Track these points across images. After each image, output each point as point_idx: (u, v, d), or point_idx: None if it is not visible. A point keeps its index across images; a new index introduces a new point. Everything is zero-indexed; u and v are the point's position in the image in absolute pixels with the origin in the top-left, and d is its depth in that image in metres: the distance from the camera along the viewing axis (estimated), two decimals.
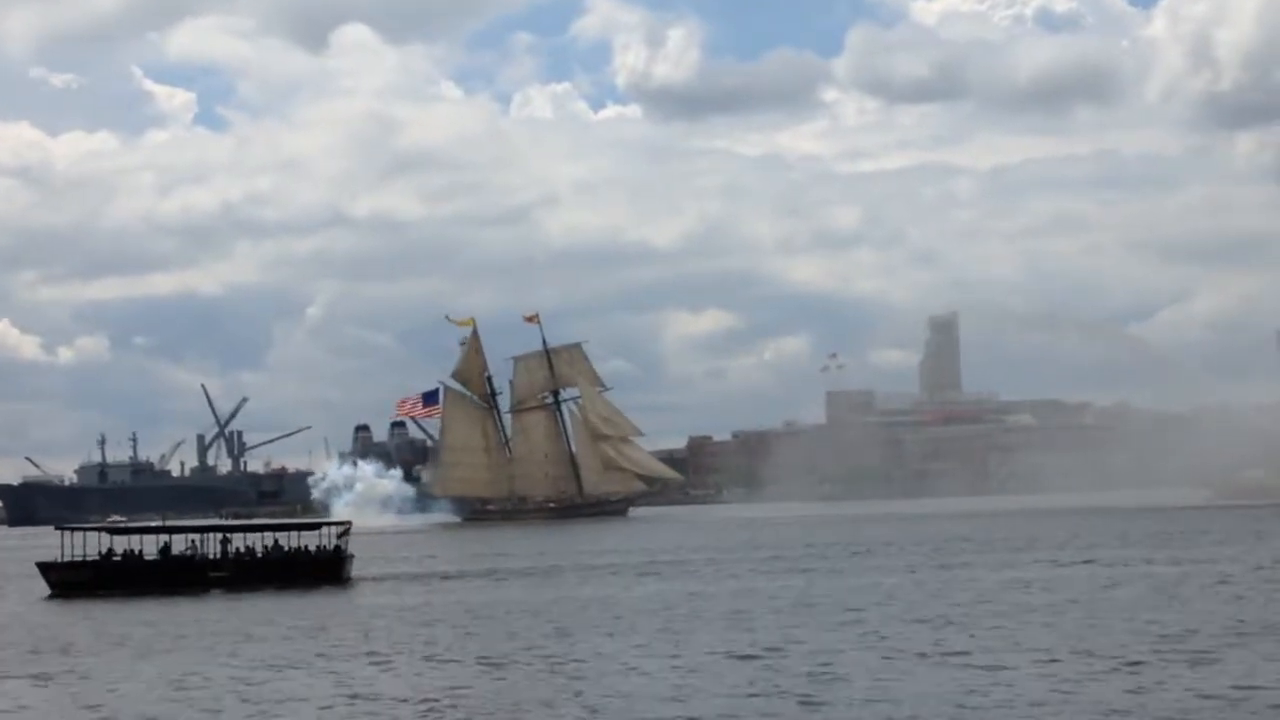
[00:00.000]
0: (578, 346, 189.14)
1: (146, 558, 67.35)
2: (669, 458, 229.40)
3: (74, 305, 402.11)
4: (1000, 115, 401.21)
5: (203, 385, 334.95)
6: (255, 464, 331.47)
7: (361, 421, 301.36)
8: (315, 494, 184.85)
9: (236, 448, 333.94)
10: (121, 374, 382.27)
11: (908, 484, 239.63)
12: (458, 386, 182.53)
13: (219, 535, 69.14)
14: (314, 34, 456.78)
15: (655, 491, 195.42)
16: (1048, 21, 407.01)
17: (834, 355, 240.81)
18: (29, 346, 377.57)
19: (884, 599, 51.37)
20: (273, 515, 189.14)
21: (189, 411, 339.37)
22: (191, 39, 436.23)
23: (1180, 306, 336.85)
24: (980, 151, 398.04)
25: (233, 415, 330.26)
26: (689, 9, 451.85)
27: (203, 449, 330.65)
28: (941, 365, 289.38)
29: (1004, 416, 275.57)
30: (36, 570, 68.66)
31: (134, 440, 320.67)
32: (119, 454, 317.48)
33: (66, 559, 66.60)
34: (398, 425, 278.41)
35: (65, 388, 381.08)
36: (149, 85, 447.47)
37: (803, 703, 30.31)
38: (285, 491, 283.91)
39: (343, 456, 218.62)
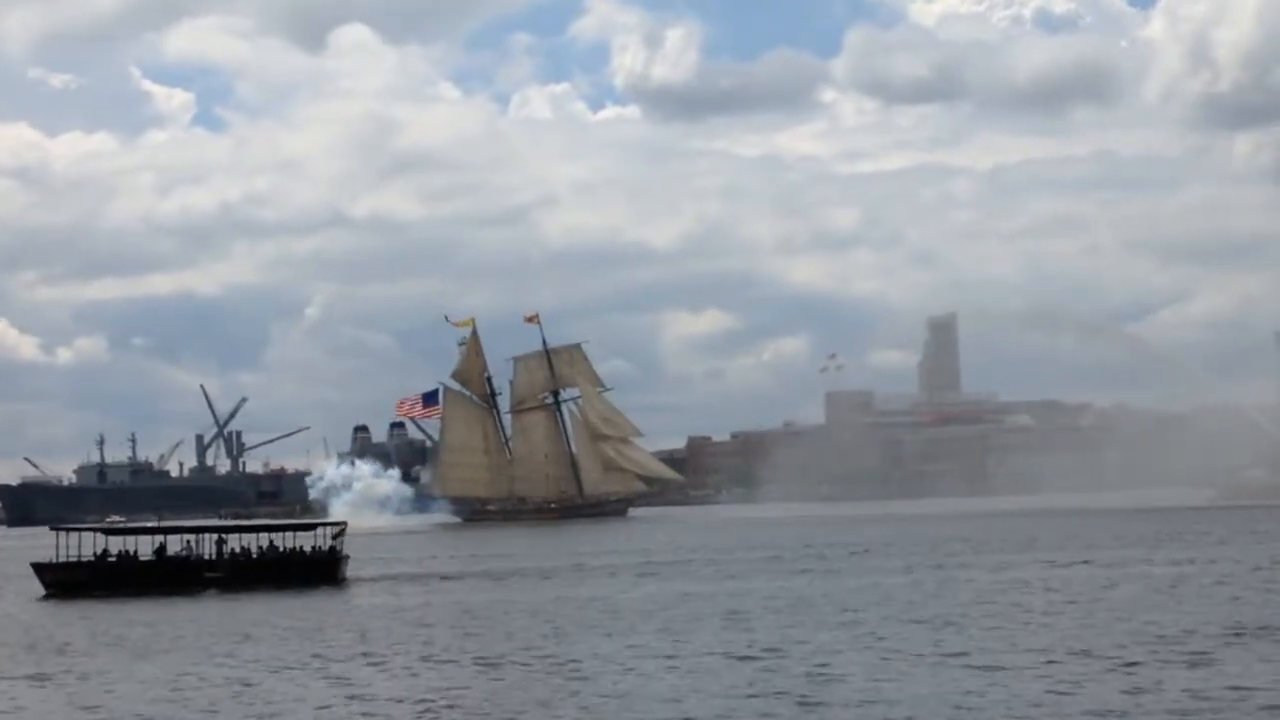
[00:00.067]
0: (578, 347, 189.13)
1: (142, 558, 67.25)
2: (668, 458, 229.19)
3: (73, 306, 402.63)
4: (999, 116, 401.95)
5: (201, 386, 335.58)
6: (254, 464, 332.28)
7: (360, 422, 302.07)
8: (313, 494, 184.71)
9: (235, 448, 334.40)
10: (120, 374, 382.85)
11: (906, 484, 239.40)
12: (457, 387, 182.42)
13: (214, 536, 69.02)
14: (312, 34, 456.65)
15: (655, 492, 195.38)
16: (1046, 22, 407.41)
17: (833, 356, 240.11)
18: (28, 347, 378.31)
19: (882, 599, 51.32)
20: (272, 516, 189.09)
21: (188, 412, 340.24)
22: (190, 39, 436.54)
23: (1179, 307, 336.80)
24: (979, 152, 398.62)
25: (232, 416, 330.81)
26: (687, 10, 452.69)
27: (201, 449, 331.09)
28: (940, 366, 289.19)
29: (1003, 417, 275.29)
30: (32, 571, 68.59)
31: (133, 441, 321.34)
32: (118, 454, 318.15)
33: (62, 559, 66.53)
34: (397, 426, 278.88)
35: (64, 388, 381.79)
36: (148, 86, 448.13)
37: (801, 703, 30.26)
38: (284, 492, 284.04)
39: (341, 457, 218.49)
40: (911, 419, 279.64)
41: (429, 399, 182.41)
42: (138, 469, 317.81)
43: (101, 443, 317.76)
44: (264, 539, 69.16)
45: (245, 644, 43.64)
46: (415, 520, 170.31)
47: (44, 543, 70.08)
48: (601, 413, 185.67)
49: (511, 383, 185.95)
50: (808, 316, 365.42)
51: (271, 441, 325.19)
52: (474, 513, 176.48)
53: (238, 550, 67.95)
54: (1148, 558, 67.75)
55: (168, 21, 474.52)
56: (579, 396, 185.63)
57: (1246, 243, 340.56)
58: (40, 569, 67.31)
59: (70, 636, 48.04)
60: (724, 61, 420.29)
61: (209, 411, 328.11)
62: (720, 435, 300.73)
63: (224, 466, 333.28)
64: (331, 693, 33.86)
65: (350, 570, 69.73)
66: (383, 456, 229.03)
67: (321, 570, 66.79)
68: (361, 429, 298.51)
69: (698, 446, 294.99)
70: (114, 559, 66.63)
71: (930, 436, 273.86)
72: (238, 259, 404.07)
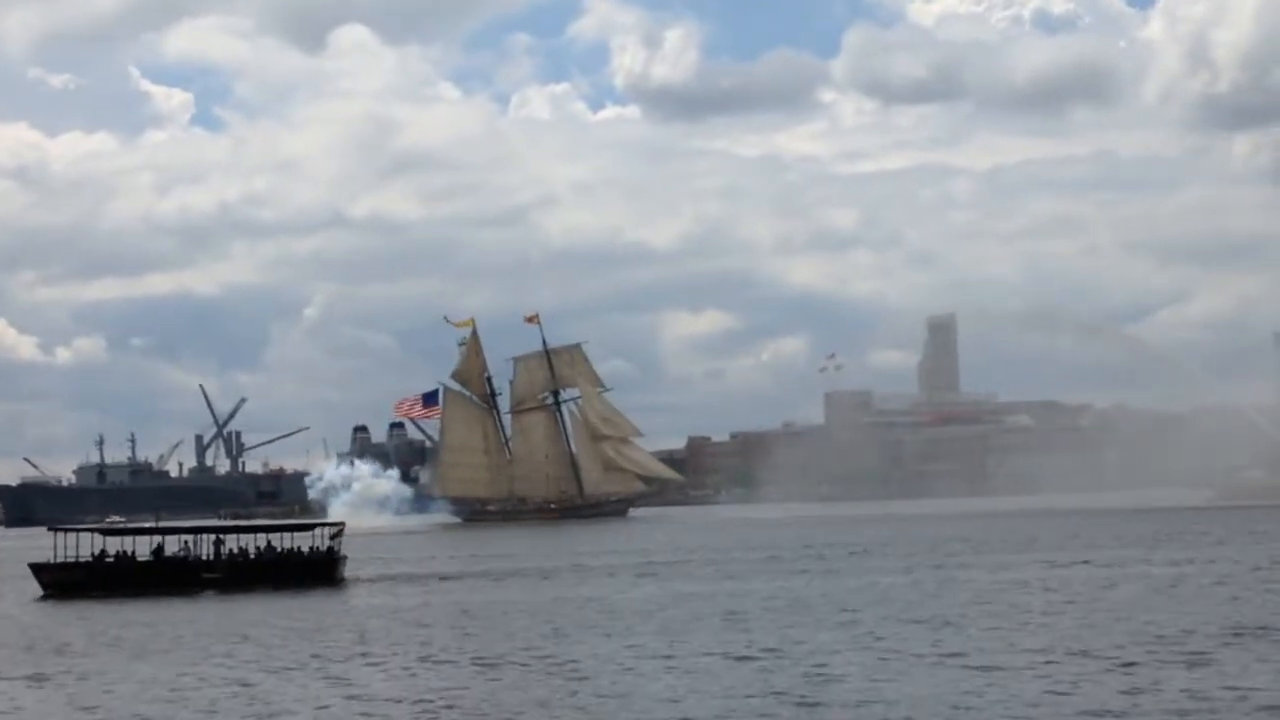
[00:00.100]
0: (578, 347, 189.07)
1: (139, 559, 67.20)
2: (668, 458, 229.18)
3: (72, 306, 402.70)
4: (998, 116, 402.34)
5: (201, 386, 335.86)
6: (253, 464, 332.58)
7: (360, 422, 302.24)
8: (312, 494, 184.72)
9: (235, 448, 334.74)
10: (120, 374, 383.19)
11: (906, 485, 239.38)
12: (457, 387, 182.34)
13: (212, 536, 68.95)
14: (312, 34, 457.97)
15: (654, 492, 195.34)
16: (1045, 22, 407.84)
17: (832, 356, 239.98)
18: (27, 347, 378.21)
19: (881, 599, 51.29)
20: (271, 516, 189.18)
21: (187, 412, 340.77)
22: (189, 39, 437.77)
23: (1178, 307, 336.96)
24: (978, 152, 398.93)
25: (231, 416, 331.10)
26: (687, 10, 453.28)
27: (201, 449, 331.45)
28: (940, 366, 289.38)
29: (1002, 417, 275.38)
30: (29, 571, 68.53)
31: (132, 441, 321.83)
32: (117, 455, 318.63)
33: (59, 560, 66.46)
34: (396, 426, 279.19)
35: (63, 388, 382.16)
36: (147, 86, 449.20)
37: (799, 704, 30.23)
38: (283, 492, 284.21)
39: (341, 457, 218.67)
40: (911, 419, 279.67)
41: (429, 399, 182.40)
42: (137, 469, 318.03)
43: (101, 443, 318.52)
44: (261, 539, 69.09)
45: (243, 644, 43.60)
46: (415, 520, 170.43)
47: (42, 543, 70.03)
48: (601, 413, 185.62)
49: (511, 383, 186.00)
50: (807, 317, 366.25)
51: (271, 442, 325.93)
52: (474, 513, 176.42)
53: (235, 551, 67.89)
54: (1147, 558, 67.73)
55: (167, 21, 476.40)
56: (579, 397, 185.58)
57: (1245, 243, 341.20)
58: (38, 569, 67.25)
59: (68, 637, 48.00)
60: (723, 61, 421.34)
61: (208, 412, 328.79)
62: (720, 435, 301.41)
63: (223, 467, 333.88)
64: (330, 693, 33.83)
65: (348, 571, 69.70)
66: (382, 457, 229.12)
67: (319, 571, 66.74)
68: (361, 429, 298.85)
69: (697, 447, 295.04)
70: (111, 559, 66.56)
71: (930, 437, 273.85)
72: (237, 259, 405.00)
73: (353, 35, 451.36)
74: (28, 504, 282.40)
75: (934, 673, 33.64)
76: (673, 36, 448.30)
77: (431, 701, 32.07)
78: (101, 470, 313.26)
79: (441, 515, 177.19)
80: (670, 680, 33.85)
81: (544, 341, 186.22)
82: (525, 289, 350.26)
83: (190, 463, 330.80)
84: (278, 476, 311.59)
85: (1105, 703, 29.14)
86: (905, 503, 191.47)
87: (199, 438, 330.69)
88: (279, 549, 68.27)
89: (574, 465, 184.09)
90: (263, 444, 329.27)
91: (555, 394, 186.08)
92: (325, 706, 32.09)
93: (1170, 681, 31.28)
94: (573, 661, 37.35)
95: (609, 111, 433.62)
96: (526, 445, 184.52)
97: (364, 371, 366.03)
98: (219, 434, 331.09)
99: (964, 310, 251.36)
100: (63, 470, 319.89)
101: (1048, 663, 34.36)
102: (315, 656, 40.20)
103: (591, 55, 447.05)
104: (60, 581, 65.37)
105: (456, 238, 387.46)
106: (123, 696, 34.59)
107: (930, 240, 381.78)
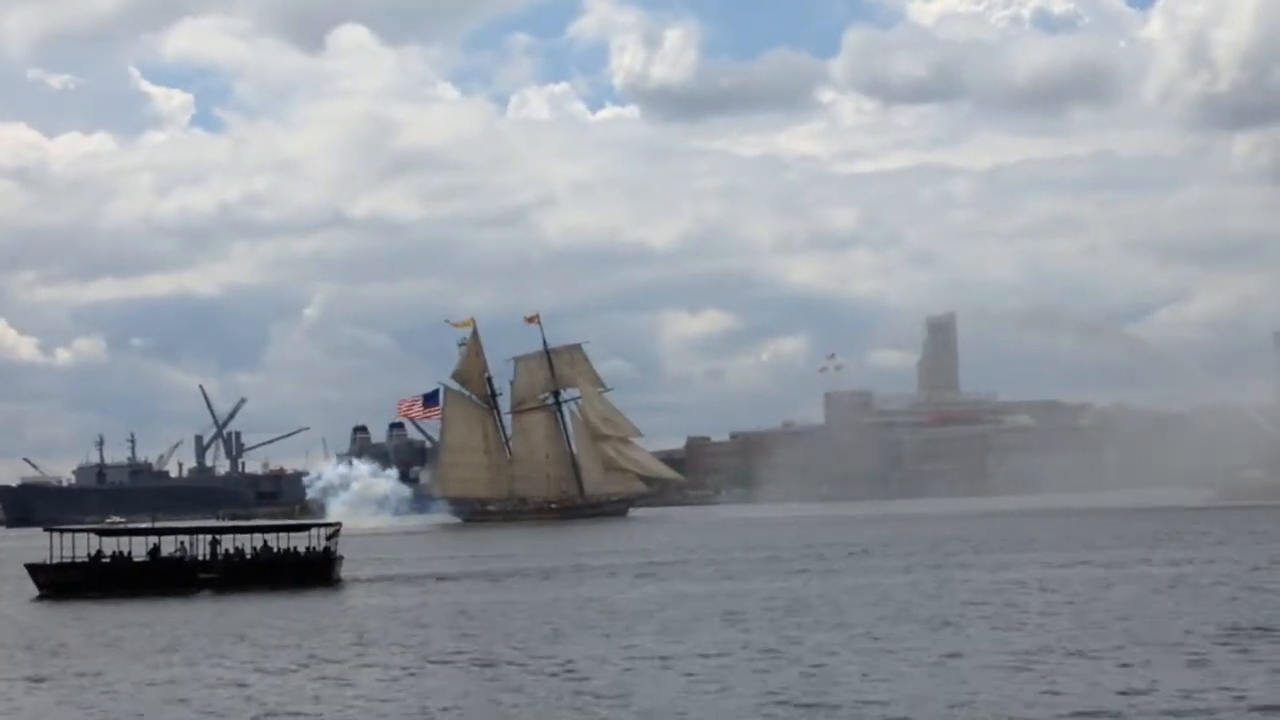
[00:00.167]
0: (578, 347, 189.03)
1: (136, 559, 67.09)
2: (667, 458, 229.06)
3: (72, 306, 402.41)
4: (998, 116, 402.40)
5: (200, 386, 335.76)
6: (253, 465, 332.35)
7: (360, 422, 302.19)
8: (310, 494, 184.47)
9: (235, 449, 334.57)
10: (119, 375, 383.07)
11: (905, 484, 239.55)
12: (458, 387, 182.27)
13: (208, 537, 68.82)
14: (311, 35, 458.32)
15: (654, 492, 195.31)
16: (1045, 22, 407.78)
17: (832, 356, 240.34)
18: (26, 347, 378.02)
19: (880, 600, 51.21)
20: (271, 516, 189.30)
21: (187, 412, 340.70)
22: (189, 40, 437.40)
23: (1178, 307, 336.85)
24: (978, 152, 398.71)
25: (231, 416, 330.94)
26: (686, 10, 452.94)
27: (201, 450, 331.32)
28: (939, 366, 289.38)
29: (1002, 417, 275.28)
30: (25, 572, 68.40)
31: (132, 441, 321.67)
32: (117, 455, 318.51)
33: (56, 560, 66.32)
34: (396, 426, 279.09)
35: (63, 389, 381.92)
36: (146, 86, 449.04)
37: (798, 704, 30.19)
38: (283, 492, 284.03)
39: (340, 457, 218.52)
40: (911, 419, 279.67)
41: (429, 400, 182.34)
42: (137, 470, 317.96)
43: (101, 443, 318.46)
44: (258, 540, 68.98)
45: (240, 645, 43.53)
46: (414, 521, 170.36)
47: (41, 544, 69.88)
48: (602, 413, 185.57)
49: (512, 383, 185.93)
50: (807, 316, 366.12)
51: (271, 442, 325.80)
52: (474, 513, 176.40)
53: (231, 551, 67.77)
54: (1146, 558, 67.64)
55: (167, 22, 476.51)
56: (579, 397, 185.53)
57: (1245, 243, 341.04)
58: (34, 570, 67.14)
59: (66, 638, 47.95)
60: (723, 61, 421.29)
61: (208, 412, 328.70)
62: (719, 435, 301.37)
63: (223, 467, 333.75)
64: (327, 693, 33.75)
65: (346, 571, 69.63)
66: (381, 457, 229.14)
67: (315, 571, 66.64)
68: (361, 429, 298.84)
69: (697, 447, 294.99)
70: (108, 560, 66.45)
71: (929, 436, 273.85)
72: (237, 259, 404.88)
73: (352, 35, 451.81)
74: (27, 504, 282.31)
75: (932, 673, 33.58)
76: (672, 36, 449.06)
77: (429, 702, 32.00)
78: (101, 471, 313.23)
79: (441, 515, 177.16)
80: (669, 681, 33.78)
81: (544, 341, 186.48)
82: (525, 289, 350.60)
83: (190, 463, 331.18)
84: (277, 477, 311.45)
85: (1102, 703, 29.09)
86: (905, 503, 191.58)
87: (199, 438, 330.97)
88: (275, 549, 68.17)
89: (574, 465, 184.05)
90: (263, 444, 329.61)
91: (555, 394, 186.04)
92: (322, 707, 32.00)
93: (1168, 682, 31.22)
94: (571, 662, 37.24)
95: (608, 111, 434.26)
96: (527, 445, 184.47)
97: (364, 371, 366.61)
98: (219, 434, 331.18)
99: (964, 310, 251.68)
100: (62, 471, 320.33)
101: (1045, 663, 34.28)
102: (312, 657, 40.16)
103: (591, 55, 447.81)
104: (56, 582, 65.26)
105: (456, 238, 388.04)
106: (120, 697, 34.53)
107: (930, 240, 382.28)
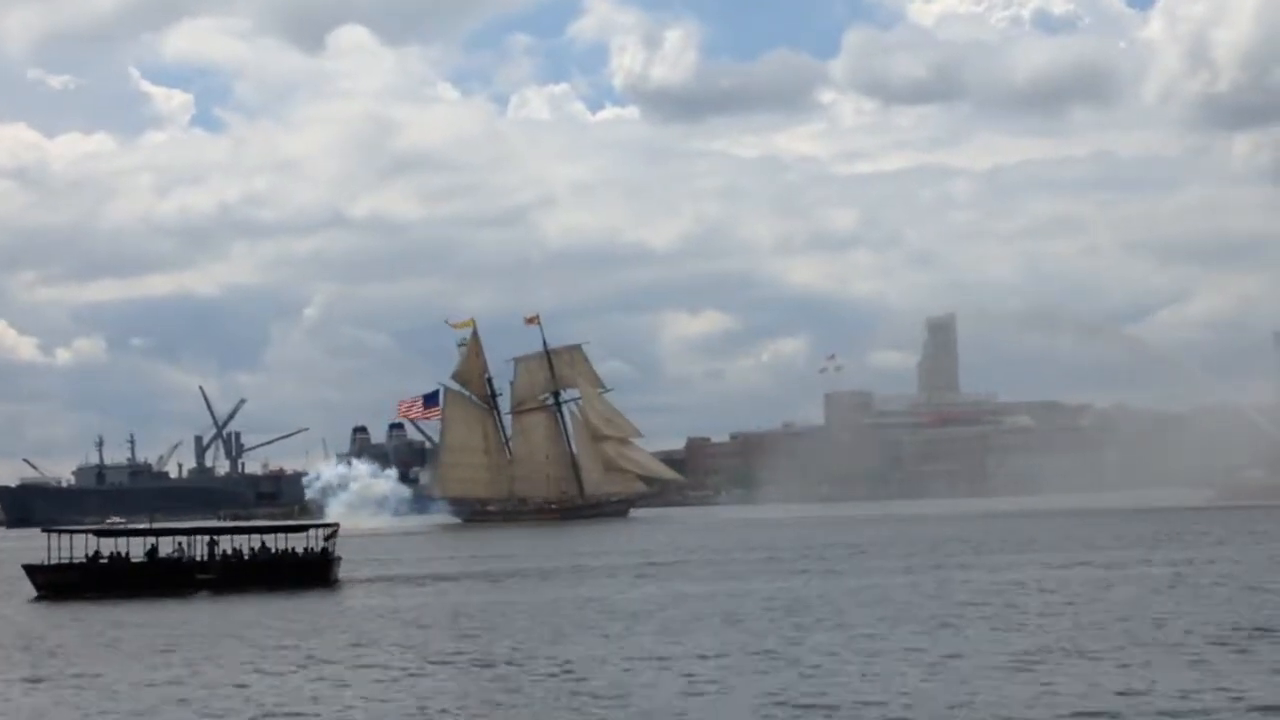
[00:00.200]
0: (578, 348, 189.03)
1: (133, 560, 67.01)
2: (667, 459, 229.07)
3: (71, 306, 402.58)
4: (998, 116, 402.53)
5: (200, 387, 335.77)
6: (253, 465, 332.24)
7: (360, 423, 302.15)
8: (309, 494, 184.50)
9: (234, 449, 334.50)
10: (119, 375, 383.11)
11: (905, 485, 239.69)
12: (458, 388, 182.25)
13: (206, 537, 68.74)
14: (311, 35, 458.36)
15: (655, 493, 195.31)
16: (1045, 23, 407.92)
17: (832, 357, 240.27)
18: (26, 348, 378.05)
19: (880, 600, 51.12)
20: (271, 517, 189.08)
21: (187, 413, 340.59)
22: (189, 40, 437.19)
23: (1178, 307, 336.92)
24: (978, 153, 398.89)
25: (231, 416, 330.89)
26: (686, 10, 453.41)
27: (201, 450, 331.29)
28: (939, 366, 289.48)
29: (1002, 418, 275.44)
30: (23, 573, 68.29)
31: (132, 442, 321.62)
32: (117, 455, 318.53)
33: (53, 561, 66.22)
34: (396, 427, 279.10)
35: (63, 389, 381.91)
36: (146, 86, 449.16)
37: (797, 704, 30.11)
38: (283, 493, 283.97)
39: (340, 457, 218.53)
40: (911, 419, 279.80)
41: (429, 400, 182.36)
42: (137, 470, 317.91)
43: (100, 444, 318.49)
44: (255, 541, 68.89)
45: (238, 646, 43.44)
46: (414, 521, 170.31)
47: (38, 544, 69.80)
48: (602, 413, 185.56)
49: (512, 383, 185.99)
50: (807, 317, 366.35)
51: (270, 442, 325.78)
52: (474, 513, 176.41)
53: (229, 552, 67.67)
54: (1146, 558, 67.58)
55: (166, 22, 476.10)
56: (579, 397, 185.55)
57: (1245, 243, 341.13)
58: (32, 571, 67.05)
59: (63, 638, 47.88)
60: (723, 62, 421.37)
61: (208, 412, 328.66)
62: (719, 436, 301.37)
63: (223, 468, 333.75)
64: (326, 694, 33.71)
65: (344, 572, 69.60)
66: (381, 457, 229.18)
67: (313, 572, 66.57)
68: (360, 430, 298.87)
69: (697, 447, 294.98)
70: (105, 561, 66.37)
71: (929, 437, 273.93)
72: (237, 259, 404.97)
73: (352, 35, 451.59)
74: (27, 505, 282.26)
75: (932, 673, 33.52)
76: (672, 37, 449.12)
77: (429, 702, 31.95)
78: (101, 471, 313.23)
79: (441, 516, 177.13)
80: (669, 681, 33.72)
81: (544, 342, 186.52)
82: (525, 289, 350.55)
83: (190, 464, 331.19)
84: (277, 477, 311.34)
85: (1102, 703, 29.04)
86: (905, 503, 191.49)
87: (199, 438, 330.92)
88: (273, 550, 68.09)
89: (574, 466, 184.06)
90: (262, 445, 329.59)
91: (555, 394, 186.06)
92: (320, 708, 31.94)
93: (1168, 682, 31.18)
94: (570, 662, 37.18)
95: (608, 112, 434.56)
96: (527, 446, 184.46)
97: (364, 372, 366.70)
98: (218, 435, 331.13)
99: (964, 310, 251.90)
100: (62, 471, 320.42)
101: (1045, 663, 34.23)
102: (310, 658, 40.09)
103: (591, 56, 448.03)
104: (54, 583, 65.19)
105: (456, 238, 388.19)
106: (118, 698, 34.47)
107: (930, 240, 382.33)
